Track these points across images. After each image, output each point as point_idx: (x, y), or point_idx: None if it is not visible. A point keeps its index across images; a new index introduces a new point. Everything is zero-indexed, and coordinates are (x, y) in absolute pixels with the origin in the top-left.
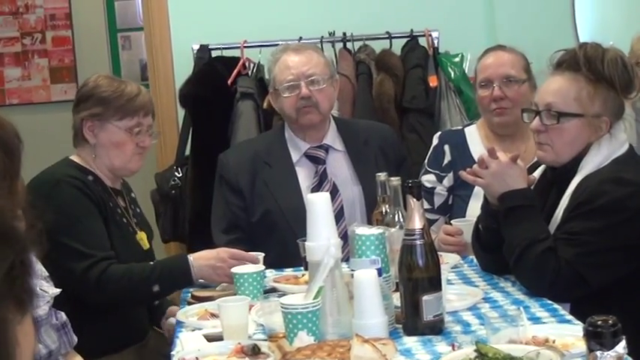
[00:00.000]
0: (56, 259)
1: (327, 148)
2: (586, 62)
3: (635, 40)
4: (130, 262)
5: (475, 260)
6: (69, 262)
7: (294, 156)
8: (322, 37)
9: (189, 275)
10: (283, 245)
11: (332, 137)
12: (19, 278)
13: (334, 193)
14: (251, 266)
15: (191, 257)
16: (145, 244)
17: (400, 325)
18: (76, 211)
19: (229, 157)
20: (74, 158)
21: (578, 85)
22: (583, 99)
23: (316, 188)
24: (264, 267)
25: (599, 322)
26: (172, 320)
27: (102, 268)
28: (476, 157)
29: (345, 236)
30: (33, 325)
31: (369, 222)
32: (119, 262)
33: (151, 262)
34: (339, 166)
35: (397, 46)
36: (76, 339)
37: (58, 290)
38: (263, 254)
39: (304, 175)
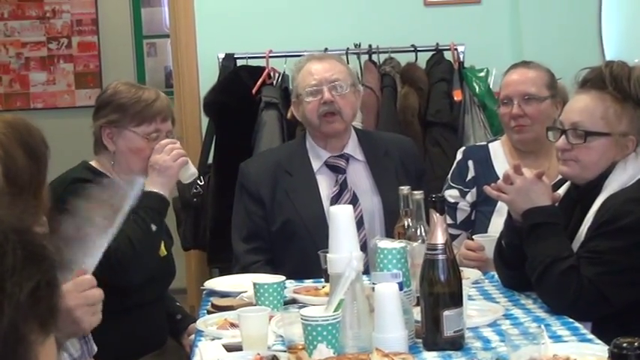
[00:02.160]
0: None
1: (347, 158)
2: (612, 81)
3: None
4: (146, 268)
5: (496, 276)
6: None
7: (315, 165)
8: (348, 48)
9: (155, 194)
10: (303, 254)
11: (353, 147)
12: (45, 299)
13: (354, 202)
14: (271, 277)
15: (145, 185)
16: (163, 251)
17: (420, 340)
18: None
19: (250, 166)
20: (92, 163)
21: (605, 104)
22: (610, 118)
23: (336, 197)
24: (284, 278)
25: (625, 345)
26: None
27: (116, 246)
28: (500, 172)
29: (364, 245)
30: (56, 345)
31: (389, 232)
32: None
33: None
34: (360, 176)
35: (422, 59)
36: (95, 348)
37: (99, 320)
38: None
39: (325, 184)
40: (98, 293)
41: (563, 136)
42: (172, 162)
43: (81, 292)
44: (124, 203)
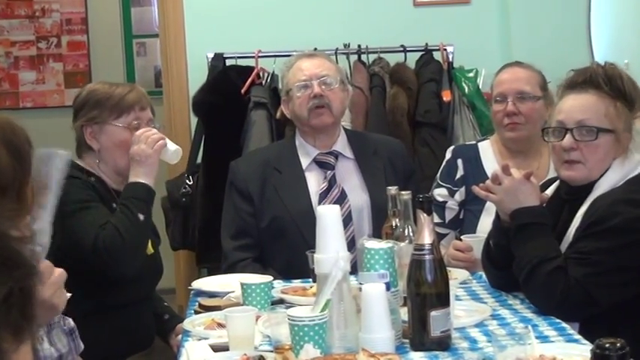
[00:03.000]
0: (64, 246)
1: (336, 155)
2: (607, 80)
3: None
4: (138, 259)
5: (484, 276)
6: (79, 241)
7: (304, 162)
8: (337, 48)
9: (141, 185)
10: (292, 250)
11: (342, 145)
12: (17, 306)
13: (342, 198)
14: (259, 277)
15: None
16: (149, 249)
17: (407, 340)
18: (78, 200)
19: (240, 164)
20: (78, 162)
21: (605, 102)
22: (612, 115)
23: (325, 193)
24: (272, 278)
25: (607, 345)
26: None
27: (104, 237)
28: (489, 172)
29: (352, 242)
30: (32, 353)
31: (376, 229)
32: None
33: (116, 209)
34: (349, 173)
35: (412, 59)
36: (82, 346)
37: (68, 295)
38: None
39: (314, 181)
40: (61, 272)
41: (569, 135)
42: (150, 149)
43: (49, 280)
44: (50, 180)
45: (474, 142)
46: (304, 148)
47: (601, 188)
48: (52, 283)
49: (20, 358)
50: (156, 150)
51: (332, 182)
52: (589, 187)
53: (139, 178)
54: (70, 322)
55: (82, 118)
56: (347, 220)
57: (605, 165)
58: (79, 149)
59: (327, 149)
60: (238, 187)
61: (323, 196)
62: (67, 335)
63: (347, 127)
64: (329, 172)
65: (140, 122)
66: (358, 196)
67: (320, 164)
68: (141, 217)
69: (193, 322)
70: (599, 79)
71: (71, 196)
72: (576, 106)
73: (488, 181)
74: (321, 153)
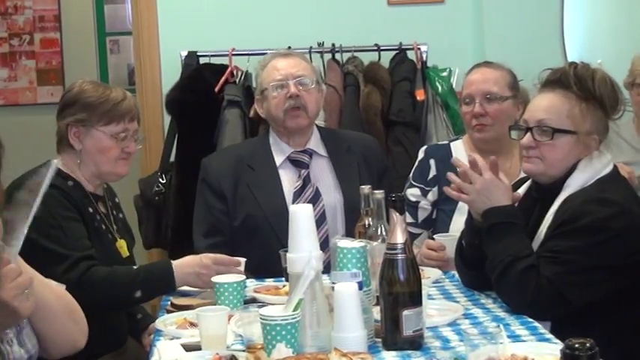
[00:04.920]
0: (36, 263)
1: (310, 153)
2: (577, 81)
3: (637, 58)
4: (99, 308)
5: (457, 276)
6: (49, 265)
7: (278, 160)
8: (311, 47)
9: (172, 282)
10: (266, 249)
11: (316, 143)
12: None
13: (317, 197)
14: (232, 276)
15: (174, 264)
16: (125, 252)
17: (379, 340)
18: (54, 213)
19: (212, 161)
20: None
21: (570, 103)
22: (575, 116)
23: (299, 192)
24: (244, 277)
25: (577, 345)
26: None
27: (82, 270)
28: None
29: (326, 240)
30: None
31: (350, 229)
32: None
33: (134, 267)
34: (322, 171)
35: (385, 58)
36: None
37: None
38: (245, 259)
39: (287, 179)
40: (27, 278)
41: (529, 134)
42: (203, 285)
43: (12, 283)
44: (40, 187)
45: (446, 142)
46: (278, 146)
47: (571, 187)
48: (15, 285)
49: None
50: (205, 286)
51: (306, 181)
52: (559, 186)
53: (180, 276)
54: None
55: (70, 117)
56: (321, 220)
57: (566, 164)
58: (59, 146)
59: (301, 147)
60: (210, 185)
61: (297, 195)
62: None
63: (320, 124)
64: (303, 170)
65: (127, 133)
66: (332, 196)
67: (294, 162)
68: (137, 294)
69: (165, 322)
70: (569, 79)
71: (44, 210)
72: (540, 105)
73: (459, 181)
74: (295, 151)
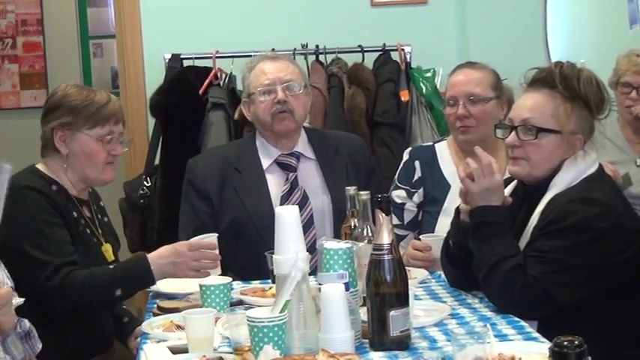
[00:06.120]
0: (19, 269)
1: (298, 156)
2: (562, 80)
3: (621, 57)
4: (77, 307)
5: (443, 276)
6: (31, 272)
7: (265, 163)
8: (295, 49)
9: (149, 275)
10: (252, 252)
11: (303, 145)
12: None
13: (304, 201)
14: (218, 278)
15: (150, 257)
16: (110, 256)
17: (367, 340)
18: (37, 218)
19: (198, 162)
20: (40, 167)
21: (555, 102)
22: (560, 116)
23: (286, 196)
24: (231, 279)
25: (565, 343)
26: None
27: (63, 276)
28: (446, 173)
29: (314, 245)
30: None
31: (338, 231)
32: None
33: (111, 266)
34: (310, 174)
35: (369, 59)
36: (40, 346)
37: (22, 300)
38: (216, 234)
39: (274, 183)
40: (5, 292)
41: (513, 133)
42: (191, 272)
43: None
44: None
45: (430, 143)
46: (265, 149)
47: (556, 187)
48: None
49: None
50: (193, 274)
51: (294, 185)
52: (544, 186)
53: (155, 267)
54: (26, 323)
55: (55, 121)
56: (309, 224)
57: (551, 164)
58: (44, 150)
59: (289, 150)
60: (196, 186)
61: (284, 199)
62: (22, 339)
63: (306, 126)
64: (291, 174)
65: (113, 136)
66: (320, 199)
67: (281, 165)
68: (117, 292)
69: (152, 325)
70: (555, 79)
71: (27, 215)
72: (525, 104)
73: (476, 167)
74: (282, 154)
